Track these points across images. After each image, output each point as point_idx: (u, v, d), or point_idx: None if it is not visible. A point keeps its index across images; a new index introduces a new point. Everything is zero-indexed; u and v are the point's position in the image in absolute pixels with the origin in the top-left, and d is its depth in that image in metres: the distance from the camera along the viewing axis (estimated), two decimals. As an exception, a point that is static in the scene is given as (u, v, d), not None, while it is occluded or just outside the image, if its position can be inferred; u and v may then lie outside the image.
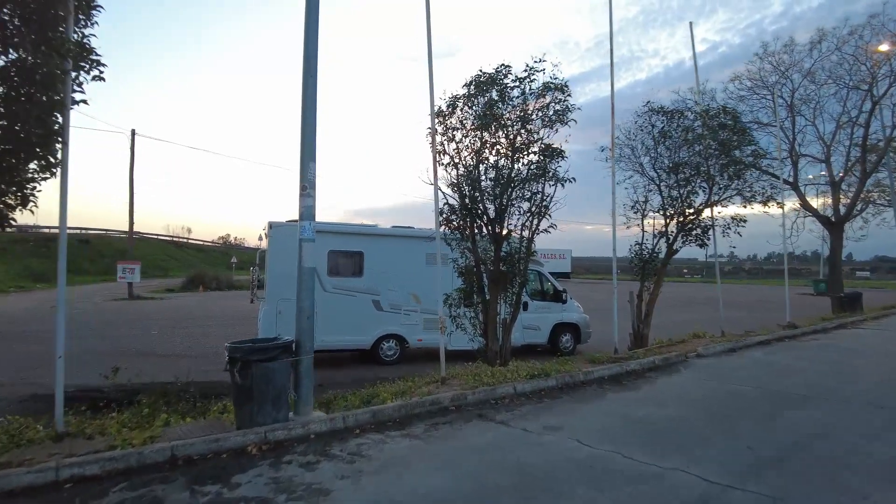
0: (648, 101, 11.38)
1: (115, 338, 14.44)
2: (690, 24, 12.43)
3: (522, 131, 7.74)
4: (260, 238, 11.84)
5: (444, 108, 8.43)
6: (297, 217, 11.81)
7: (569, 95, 7.54)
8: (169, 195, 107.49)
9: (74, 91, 5.38)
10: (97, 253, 44.79)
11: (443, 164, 8.43)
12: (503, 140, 7.82)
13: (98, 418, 6.74)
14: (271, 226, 11.31)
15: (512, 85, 7.71)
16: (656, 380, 7.87)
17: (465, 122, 8.31)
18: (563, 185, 7.69)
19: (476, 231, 8.44)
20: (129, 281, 27.53)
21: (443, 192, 8.24)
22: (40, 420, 6.60)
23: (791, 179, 20.08)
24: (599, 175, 11.60)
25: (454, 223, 8.39)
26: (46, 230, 47.76)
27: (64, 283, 4.93)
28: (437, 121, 8.33)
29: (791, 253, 12.86)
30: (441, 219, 8.17)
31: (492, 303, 8.50)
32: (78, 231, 49.62)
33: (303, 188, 5.32)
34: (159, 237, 61.74)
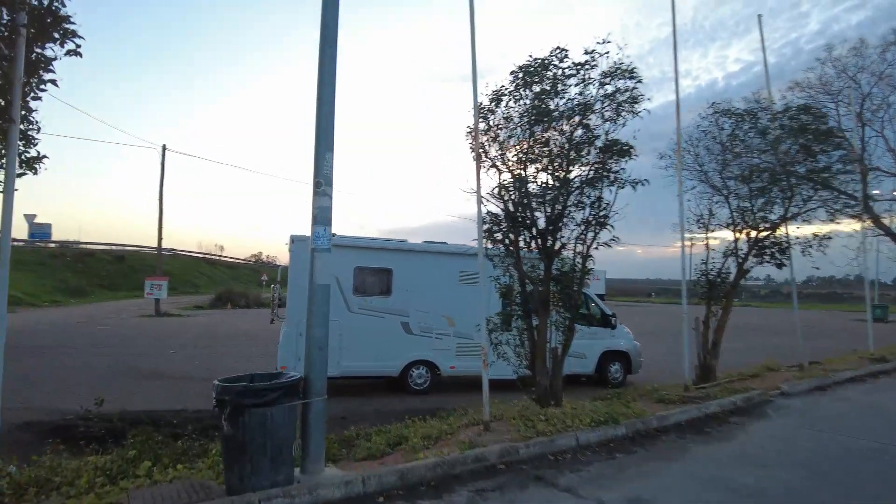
0: (714, 102, 10.08)
1: (132, 356, 13.66)
2: (759, 17, 11.12)
3: (581, 126, 6.54)
4: (293, 256, 10.93)
5: (486, 103, 7.31)
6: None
7: (639, 81, 6.31)
8: (203, 213, 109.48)
9: (45, 70, 4.46)
10: (131, 269, 45.10)
11: (485, 167, 7.29)
12: (557, 136, 6.64)
13: (79, 458, 5.76)
14: (293, 239, 10.32)
15: (569, 72, 6.54)
16: (745, 428, 6.44)
17: (510, 118, 7.18)
18: (634, 188, 6.43)
19: (523, 245, 7.23)
20: (156, 297, 27.12)
21: (485, 202, 7.11)
22: (11, 460, 5.64)
23: (859, 195, 18.23)
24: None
25: (497, 235, 7.20)
26: (84, 245, 48.46)
27: (5, 302, 3.91)
28: (478, 117, 7.22)
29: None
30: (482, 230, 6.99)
31: (541, 329, 7.23)
32: (113, 247, 50.22)
33: (317, 185, 4.22)
34: (192, 254, 62.19)
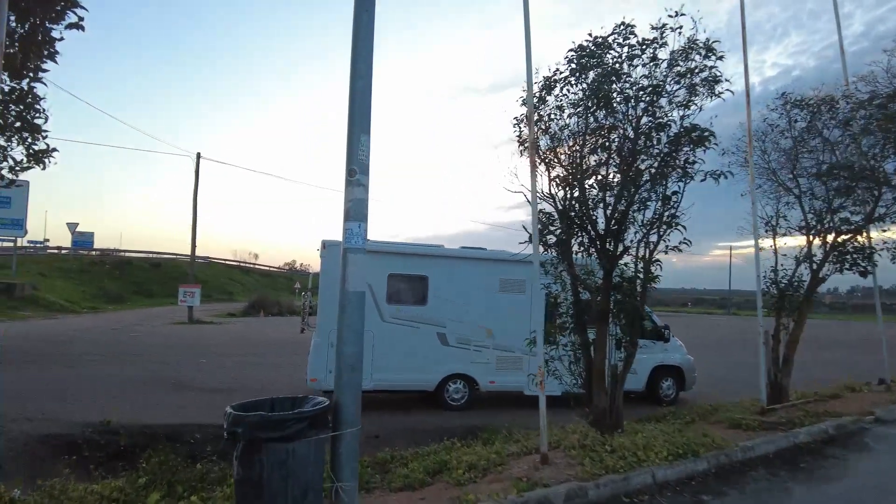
0: (784, 93, 9.10)
1: (161, 365, 13.31)
2: (835, 1, 10.06)
3: (647, 113, 5.72)
4: (326, 264, 10.36)
5: (535, 91, 6.55)
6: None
7: (719, 59, 5.46)
8: (238, 221, 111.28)
9: (47, 47, 3.93)
10: (167, 276, 45.71)
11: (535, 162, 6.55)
12: (620, 124, 5.84)
13: (88, 483, 5.21)
14: (325, 244, 9.74)
15: (634, 52, 5.73)
16: (847, 463, 5.46)
17: (563, 107, 6.42)
18: (717, 180, 5.56)
19: (577, 249, 6.43)
20: (189, 304, 27.10)
21: (530, 202, 6.34)
22: (16, 483, 5.14)
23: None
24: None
25: (550, 238, 6.40)
26: (123, 253, 49.47)
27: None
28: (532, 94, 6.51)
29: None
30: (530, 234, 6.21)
31: (599, 344, 6.40)
32: (150, 255, 51.15)
33: (350, 173, 3.53)
34: (227, 262, 62.94)
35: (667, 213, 6.09)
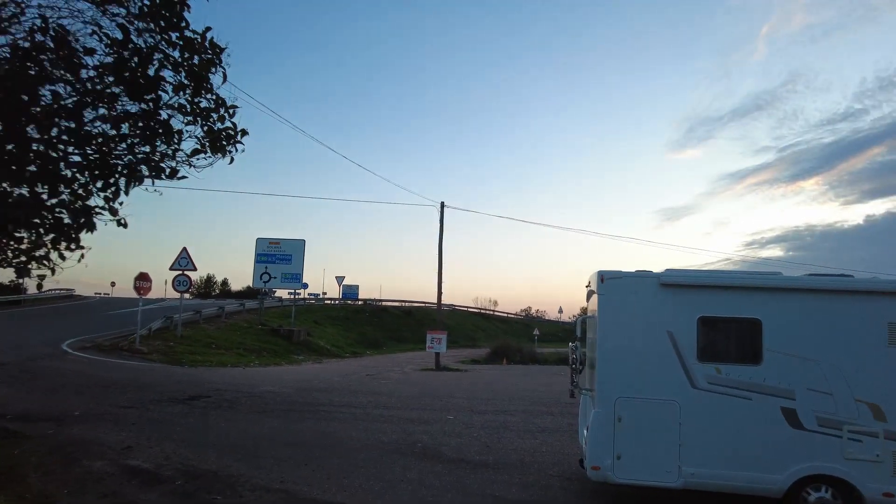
0: None
1: (409, 422, 12.05)
2: None
3: None
4: (560, 310, 7.36)
5: None
6: (639, 269, 7.19)
7: None
8: (478, 268, 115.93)
9: None
10: (417, 323, 48.37)
11: None
12: None
13: None
14: (603, 277, 7.04)
15: None
16: None
17: None
18: None
19: None
20: (436, 350, 27.01)
21: None
22: None
23: None
24: None
25: None
26: (382, 302, 54.26)
27: None
28: None
29: None
30: None
31: None
32: (402, 303, 55.25)
33: None
34: (469, 309, 64.96)
35: None
